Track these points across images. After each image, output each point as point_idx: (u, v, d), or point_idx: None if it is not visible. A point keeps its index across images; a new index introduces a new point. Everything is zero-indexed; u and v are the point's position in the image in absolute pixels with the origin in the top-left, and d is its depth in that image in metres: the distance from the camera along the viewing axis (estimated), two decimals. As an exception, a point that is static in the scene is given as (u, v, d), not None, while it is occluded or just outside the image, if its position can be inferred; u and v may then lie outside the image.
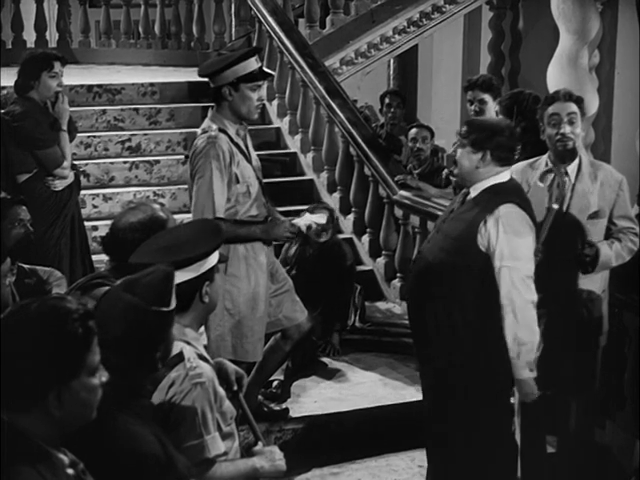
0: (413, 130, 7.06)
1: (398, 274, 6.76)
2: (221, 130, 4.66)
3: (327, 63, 8.10)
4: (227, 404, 2.98)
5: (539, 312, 4.49)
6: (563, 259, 4.39)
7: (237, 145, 4.70)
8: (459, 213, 4.19)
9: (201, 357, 2.91)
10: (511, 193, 4.09)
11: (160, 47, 9.83)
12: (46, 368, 2.04)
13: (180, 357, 2.81)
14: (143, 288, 2.56)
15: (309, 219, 4.95)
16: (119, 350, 2.47)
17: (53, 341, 2.05)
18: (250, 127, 4.96)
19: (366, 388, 5.67)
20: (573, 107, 4.49)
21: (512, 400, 4.59)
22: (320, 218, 5.06)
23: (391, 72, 11.29)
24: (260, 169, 4.94)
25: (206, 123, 4.74)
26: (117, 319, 2.51)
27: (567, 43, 6.96)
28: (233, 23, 9.14)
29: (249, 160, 4.77)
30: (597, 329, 4.62)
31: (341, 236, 6.89)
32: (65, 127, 5.48)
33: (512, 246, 3.97)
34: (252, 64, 4.67)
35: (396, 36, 8.78)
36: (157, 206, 3.49)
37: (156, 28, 9.84)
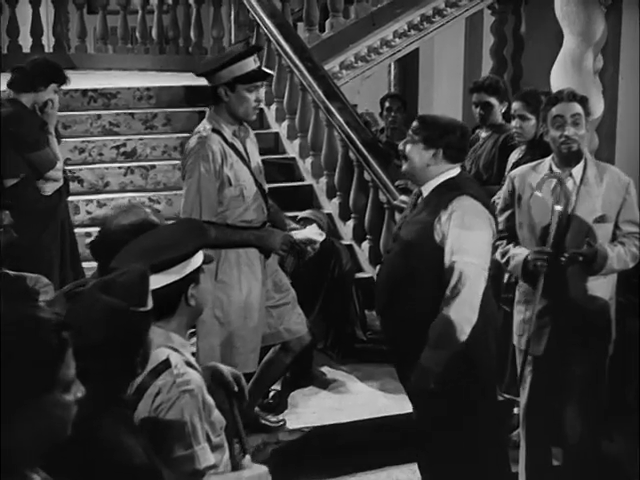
0: None
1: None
2: (215, 130, 4.55)
3: (327, 67, 8.00)
4: (216, 414, 2.85)
5: (545, 320, 4.39)
6: (570, 264, 4.26)
7: (232, 146, 4.59)
8: (412, 216, 4.12)
9: (189, 364, 2.79)
10: (463, 186, 4.01)
11: (158, 52, 9.74)
12: (16, 381, 1.89)
13: (167, 364, 2.70)
14: (120, 288, 2.46)
15: (305, 235, 4.86)
16: (99, 355, 2.34)
17: (24, 352, 1.90)
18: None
19: (366, 398, 5.59)
20: (577, 108, 4.38)
21: (516, 411, 4.48)
22: (319, 236, 4.96)
23: (392, 78, 11.24)
24: (262, 173, 4.81)
25: (202, 123, 4.65)
26: (96, 322, 2.39)
27: (571, 45, 6.85)
28: (232, 28, 9.07)
29: (247, 163, 4.65)
30: (605, 336, 4.50)
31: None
32: (52, 130, 5.49)
33: (461, 240, 3.85)
34: (250, 64, 4.56)
35: (396, 40, 8.70)
36: (149, 210, 3.40)
37: (154, 33, 9.76)
